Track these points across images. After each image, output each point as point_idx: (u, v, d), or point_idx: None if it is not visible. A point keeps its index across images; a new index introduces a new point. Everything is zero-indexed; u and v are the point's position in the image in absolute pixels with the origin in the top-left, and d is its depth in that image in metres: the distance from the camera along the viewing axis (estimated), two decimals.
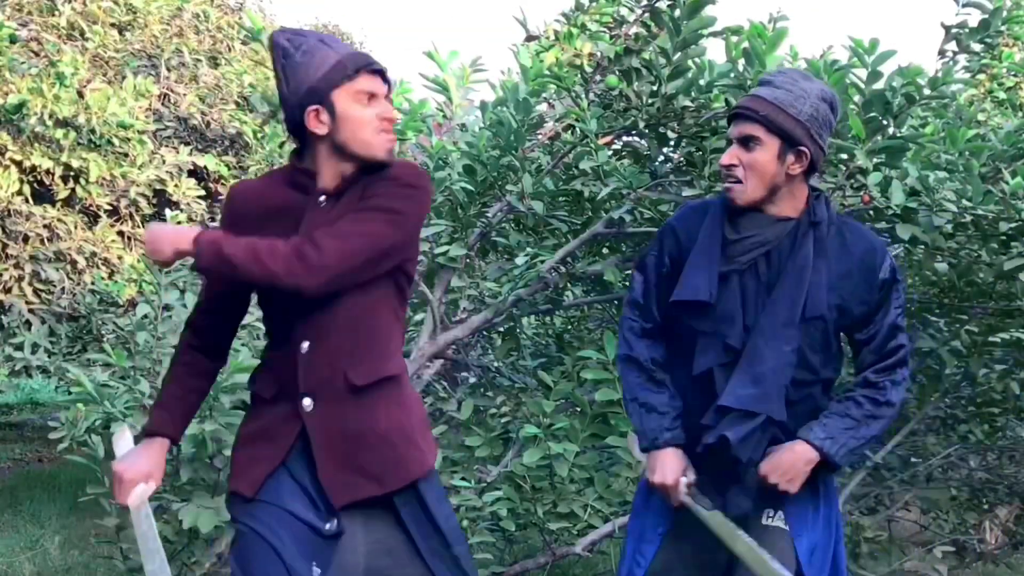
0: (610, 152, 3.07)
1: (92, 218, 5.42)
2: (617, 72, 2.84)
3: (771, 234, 1.83)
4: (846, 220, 1.90)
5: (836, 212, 1.90)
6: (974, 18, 3.16)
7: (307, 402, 1.71)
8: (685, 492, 1.85)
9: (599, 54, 2.88)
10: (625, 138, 3.15)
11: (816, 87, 1.83)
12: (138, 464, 1.77)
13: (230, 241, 1.62)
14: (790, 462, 1.80)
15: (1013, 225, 2.53)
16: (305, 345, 1.71)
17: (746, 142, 1.80)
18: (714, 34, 2.70)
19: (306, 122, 1.68)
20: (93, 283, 5.08)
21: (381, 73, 1.72)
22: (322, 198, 1.71)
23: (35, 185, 5.17)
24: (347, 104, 1.67)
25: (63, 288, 5.09)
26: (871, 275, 1.83)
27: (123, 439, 1.93)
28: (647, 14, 2.80)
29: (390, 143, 1.72)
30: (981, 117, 3.81)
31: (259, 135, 6.05)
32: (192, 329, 1.84)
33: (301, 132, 1.71)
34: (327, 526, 1.68)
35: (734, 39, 2.67)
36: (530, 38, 3.20)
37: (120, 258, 5.24)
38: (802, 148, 1.78)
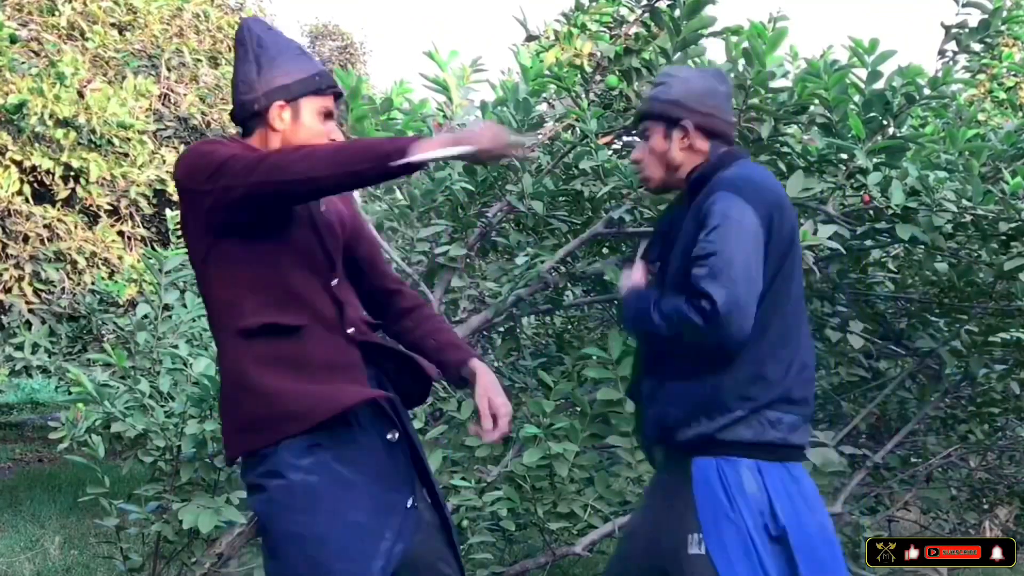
0: (610, 152, 3.07)
1: (92, 218, 5.43)
2: (617, 72, 2.84)
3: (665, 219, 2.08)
4: (725, 178, 1.90)
5: (737, 170, 1.91)
6: (974, 18, 3.16)
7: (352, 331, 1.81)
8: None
9: (599, 54, 2.88)
10: (625, 138, 3.15)
11: (692, 72, 2.04)
12: None
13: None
14: None
15: (1013, 225, 2.53)
16: (352, 330, 1.80)
17: (643, 136, 2.02)
18: (714, 34, 2.70)
19: (268, 112, 1.77)
20: (93, 283, 5.09)
21: (341, 97, 1.86)
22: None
23: (35, 185, 5.18)
24: (310, 114, 1.79)
25: (63, 288, 5.10)
26: (699, 220, 1.87)
27: None
28: (647, 14, 2.80)
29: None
30: (981, 117, 3.82)
31: None
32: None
33: (250, 120, 1.80)
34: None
35: (734, 39, 2.67)
36: (530, 38, 3.20)
37: (120, 258, 5.25)
38: (682, 122, 1.94)
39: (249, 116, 1.81)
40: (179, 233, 4.47)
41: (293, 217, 1.75)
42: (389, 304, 1.97)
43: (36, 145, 5.01)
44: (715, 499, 1.85)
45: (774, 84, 2.58)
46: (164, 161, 5.50)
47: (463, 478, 2.67)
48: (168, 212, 3.95)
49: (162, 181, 5.45)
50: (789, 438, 1.88)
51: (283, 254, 1.74)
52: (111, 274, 5.21)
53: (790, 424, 1.88)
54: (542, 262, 2.86)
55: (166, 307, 3.12)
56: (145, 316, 3.30)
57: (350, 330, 1.77)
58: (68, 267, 5.13)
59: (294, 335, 1.71)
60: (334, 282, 1.79)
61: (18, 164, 4.97)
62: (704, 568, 1.82)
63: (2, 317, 5.13)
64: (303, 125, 1.79)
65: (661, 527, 1.92)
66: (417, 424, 2.87)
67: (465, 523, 2.68)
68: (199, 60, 6.18)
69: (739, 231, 1.80)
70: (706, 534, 1.84)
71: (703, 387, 1.87)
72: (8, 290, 4.99)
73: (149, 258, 3.17)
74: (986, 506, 3.79)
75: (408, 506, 1.73)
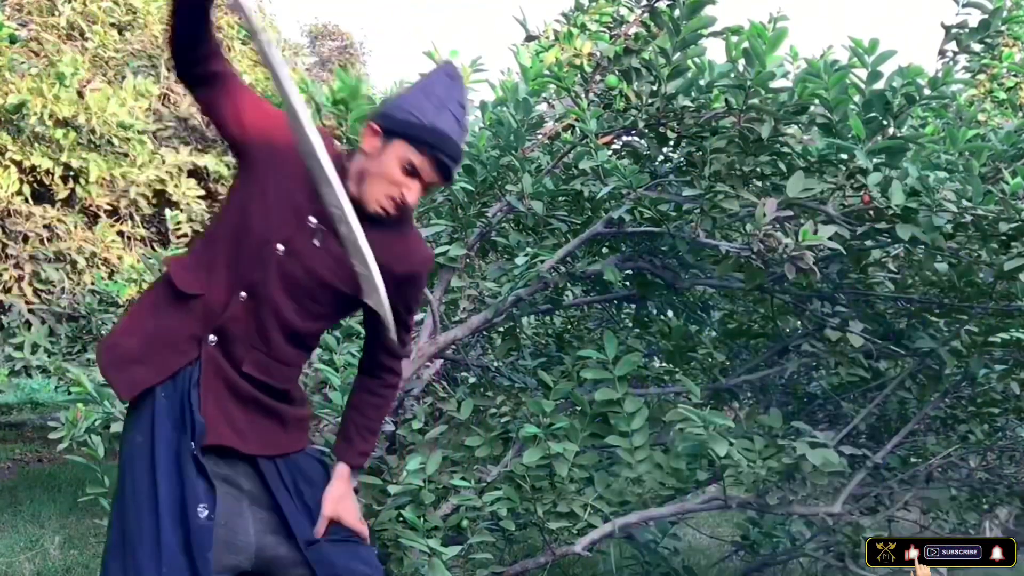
0: (610, 152, 3.07)
1: (92, 218, 5.42)
2: (617, 72, 2.84)
3: None
4: None
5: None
6: (974, 18, 3.16)
7: (212, 338, 1.72)
8: None
9: (599, 54, 2.88)
10: (625, 138, 3.15)
11: None
12: None
13: None
14: None
15: (1013, 225, 2.52)
16: (243, 296, 1.72)
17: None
18: (714, 34, 2.70)
19: (363, 129, 1.73)
20: (93, 283, 5.08)
21: (444, 169, 1.73)
22: (314, 221, 1.73)
23: (35, 185, 5.17)
24: (392, 157, 1.70)
25: (63, 288, 5.09)
26: None
27: None
28: (647, 14, 2.80)
29: (386, 204, 1.73)
30: (981, 117, 3.82)
31: None
32: None
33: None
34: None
35: (734, 39, 2.66)
36: (530, 38, 3.20)
37: (120, 258, 5.24)
38: None
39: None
40: (179, 233, 4.48)
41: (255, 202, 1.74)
42: (366, 371, 1.97)
43: (36, 145, 5.00)
44: None
45: (774, 84, 2.58)
46: (164, 161, 5.50)
47: (463, 478, 2.67)
48: (168, 212, 3.96)
49: (161, 181, 5.45)
50: None
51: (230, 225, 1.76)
52: (111, 274, 5.20)
53: None
54: (542, 262, 2.86)
55: None
56: None
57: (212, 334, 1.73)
58: (68, 267, 5.13)
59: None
60: (242, 295, 1.73)
61: (18, 164, 4.96)
62: None
63: (2, 317, 5.13)
64: (381, 161, 1.71)
65: None
66: (416, 424, 2.87)
67: (465, 523, 2.67)
68: None
69: None
70: None
71: None
72: (8, 290, 4.99)
73: (149, 258, 3.17)
74: (986, 506, 3.79)
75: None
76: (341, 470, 1.89)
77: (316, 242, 1.74)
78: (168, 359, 1.71)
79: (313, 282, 1.75)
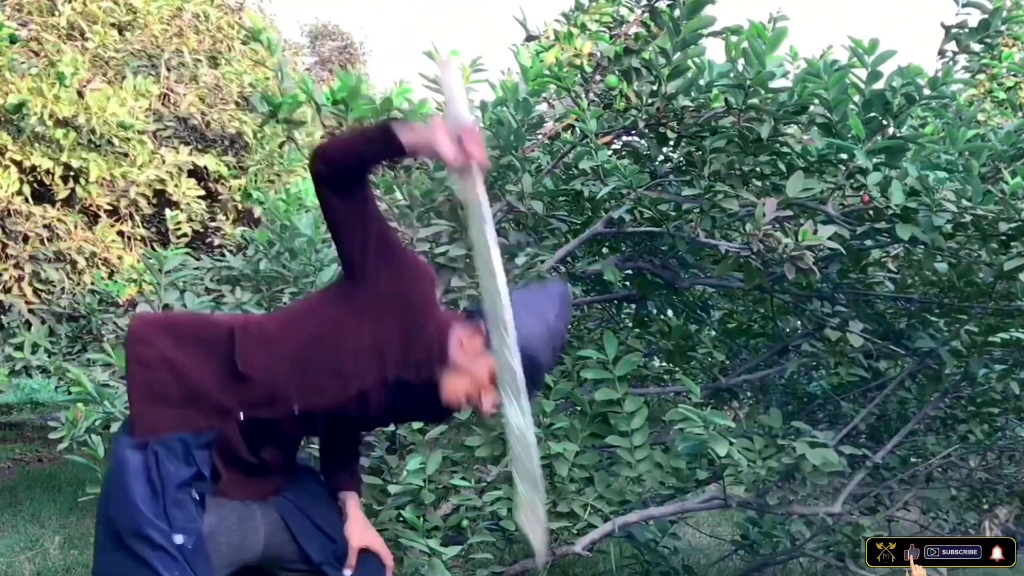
0: (610, 152, 3.07)
1: (92, 218, 5.42)
2: (617, 72, 2.84)
3: None
4: None
5: None
6: (974, 18, 3.16)
7: (242, 417, 1.76)
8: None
9: (599, 54, 2.88)
10: (625, 138, 3.15)
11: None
12: None
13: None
14: None
15: (1013, 225, 2.52)
16: (296, 411, 1.77)
17: None
18: (714, 34, 2.70)
19: (472, 325, 1.81)
20: (93, 283, 5.08)
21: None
22: (391, 380, 1.78)
23: (35, 185, 5.17)
24: (487, 365, 1.77)
25: (63, 288, 5.09)
26: None
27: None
28: (647, 14, 2.80)
29: (463, 401, 1.82)
30: (981, 117, 3.82)
31: (259, 135, 6.04)
32: None
33: None
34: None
35: (734, 39, 2.66)
36: (530, 38, 3.20)
37: (120, 258, 5.24)
38: None
39: None
40: (179, 233, 4.46)
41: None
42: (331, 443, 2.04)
43: (36, 145, 5.00)
44: None
45: (774, 84, 2.58)
46: (164, 161, 5.50)
47: (463, 478, 2.66)
48: (168, 212, 3.95)
49: (161, 181, 5.45)
50: None
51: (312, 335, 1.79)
52: (111, 274, 5.20)
53: None
54: (542, 262, 2.86)
55: (165, 307, 3.12)
56: None
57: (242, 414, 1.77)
58: (68, 267, 5.13)
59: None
60: (295, 410, 1.77)
61: (18, 164, 4.96)
62: None
63: (2, 317, 5.13)
64: (476, 363, 1.78)
65: None
66: (417, 424, 2.86)
67: (465, 523, 2.67)
68: (199, 60, 6.16)
69: None
70: None
71: None
72: (8, 290, 4.98)
73: (149, 258, 3.17)
74: (986, 506, 3.80)
75: None
76: (354, 500, 1.96)
77: (384, 397, 1.80)
78: (193, 418, 1.74)
79: (361, 421, 1.90)
